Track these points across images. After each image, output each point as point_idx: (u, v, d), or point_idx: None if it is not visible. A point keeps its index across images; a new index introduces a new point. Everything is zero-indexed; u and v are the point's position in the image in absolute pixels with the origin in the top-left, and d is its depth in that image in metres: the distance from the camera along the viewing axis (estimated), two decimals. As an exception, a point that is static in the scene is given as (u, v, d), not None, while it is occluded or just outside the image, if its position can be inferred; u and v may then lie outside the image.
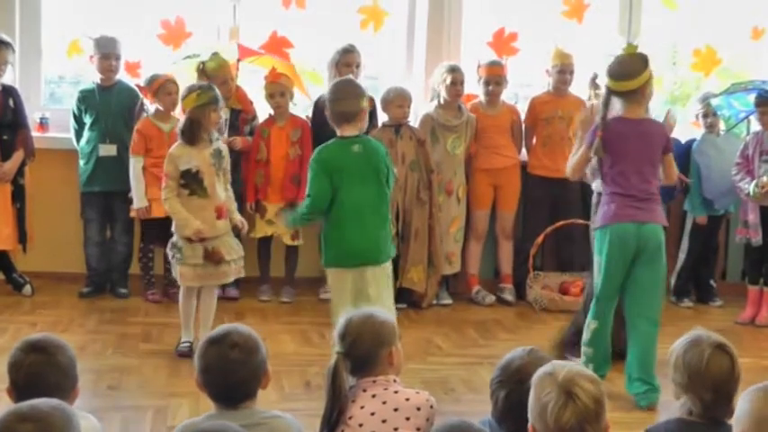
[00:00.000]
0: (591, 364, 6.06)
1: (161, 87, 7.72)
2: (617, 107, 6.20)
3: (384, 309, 5.72)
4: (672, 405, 3.96)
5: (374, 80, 9.09)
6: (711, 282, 8.60)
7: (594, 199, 6.69)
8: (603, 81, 6.51)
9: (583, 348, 6.26)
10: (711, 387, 3.70)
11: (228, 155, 6.86)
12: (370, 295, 5.96)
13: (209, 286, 6.81)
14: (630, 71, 6.03)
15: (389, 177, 6.14)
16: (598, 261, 6.18)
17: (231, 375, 3.70)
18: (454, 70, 8.32)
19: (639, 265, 6.07)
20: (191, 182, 6.56)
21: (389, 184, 6.16)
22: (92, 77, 8.26)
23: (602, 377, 6.05)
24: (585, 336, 6.24)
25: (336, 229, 6.08)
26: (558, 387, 3.18)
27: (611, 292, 6.17)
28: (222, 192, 6.75)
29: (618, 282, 6.12)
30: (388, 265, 6.22)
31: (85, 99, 8.09)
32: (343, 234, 6.05)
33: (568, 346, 6.61)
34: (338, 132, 6.16)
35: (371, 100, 8.29)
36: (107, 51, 8.07)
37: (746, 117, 8.27)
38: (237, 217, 6.87)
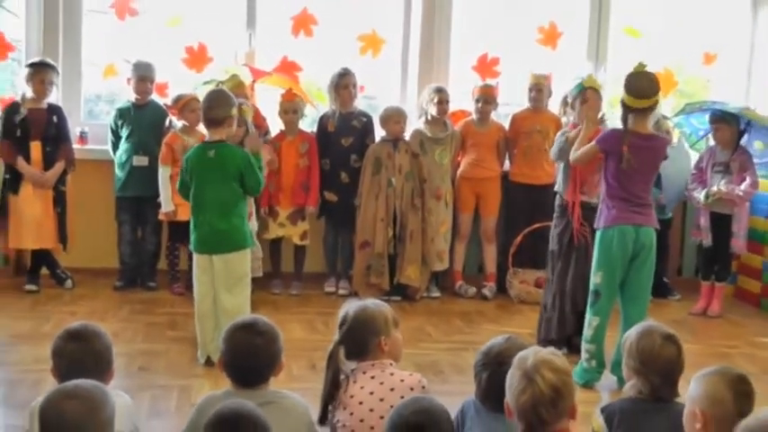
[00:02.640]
0: (594, 360, 6.10)
1: (186, 105, 7.74)
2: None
3: (230, 296, 6.13)
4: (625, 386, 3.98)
5: (373, 100, 9.09)
6: (665, 279, 8.59)
7: (558, 201, 6.75)
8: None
9: (585, 346, 6.13)
10: (660, 372, 3.75)
11: None
12: (217, 280, 6.18)
13: None
14: (650, 91, 5.95)
15: (246, 179, 6.21)
16: (597, 259, 6.12)
17: (253, 359, 3.73)
18: (440, 91, 8.32)
19: (636, 264, 6.06)
20: None
21: (246, 185, 6.24)
22: (125, 96, 8.29)
23: (600, 373, 6.10)
24: (588, 332, 6.13)
25: (192, 220, 6.34)
26: (522, 372, 3.21)
27: (613, 290, 6.11)
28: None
29: (619, 279, 6.08)
30: (235, 255, 6.22)
31: (122, 115, 8.10)
32: (194, 225, 6.30)
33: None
34: (207, 135, 6.36)
35: (367, 117, 8.36)
36: (144, 74, 8.09)
37: (706, 134, 8.29)
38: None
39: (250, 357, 3.72)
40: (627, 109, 5.99)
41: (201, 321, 6.27)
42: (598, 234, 6.14)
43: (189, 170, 6.24)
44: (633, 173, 5.96)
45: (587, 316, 6.16)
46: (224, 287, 6.18)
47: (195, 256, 6.37)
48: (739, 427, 2.69)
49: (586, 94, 6.56)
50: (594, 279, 6.12)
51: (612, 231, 6.01)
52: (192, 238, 6.35)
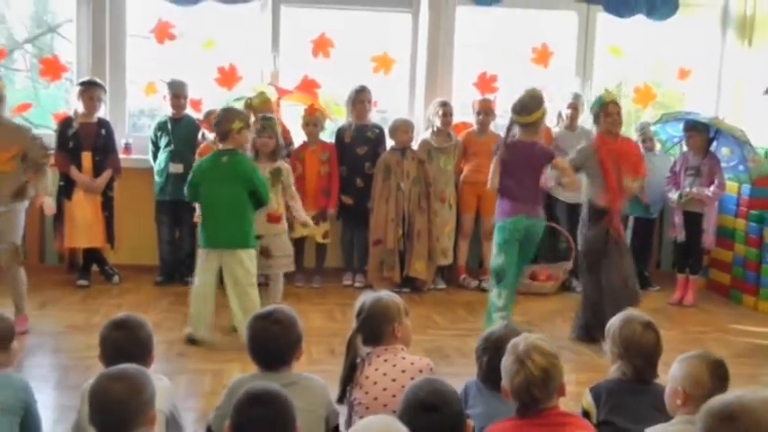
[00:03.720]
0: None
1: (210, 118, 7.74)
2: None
3: (239, 287, 6.24)
4: (609, 368, 3.99)
5: (384, 113, 9.08)
6: (646, 273, 8.58)
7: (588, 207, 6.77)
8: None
9: (500, 314, 6.44)
10: (642, 355, 3.78)
11: (289, 172, 7.00)
12: (231, 273, 6.31)
13: (275, 274, 6.97)
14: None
15: (255, 185, 6.34)
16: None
17: (271, 344, 3.75)
18: (445, 104, 8.34)
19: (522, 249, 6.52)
20: None
21: (256, 190, 6.36)
22: (163, 111, 8.29)
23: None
24: (499, 303, 6.51)
25: (202, 217, 6.53)
26: (515, 356, 3.25)
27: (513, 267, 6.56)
28: (275, 201, 6.84)
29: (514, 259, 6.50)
30: (243, 252, 6.33)
31: (161, 128, 8.12)
32: (204, 222, 6.47)
33: (592, 328, 6.49)
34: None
35: (380, 128, 8.35)
36: (177, 92, 8.11)
37: (679, 141, 8.27)
38: (302, 216, 7.12)
39: (269, 343, 3.75)
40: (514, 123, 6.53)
41: (197, 301, 6.41)
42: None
43: (201, 174, 6.41)
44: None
45: (495, 290, 6.57)
46: (234, 279, 6.29)
47: (200, 251, 6.49)
48: (703, 408, 2.68)
49: (608, 108, 6.60)
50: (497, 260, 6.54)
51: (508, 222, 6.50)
52: (201, 234, 6.46)
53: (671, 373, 3.44)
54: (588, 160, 6.60)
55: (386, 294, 4.10)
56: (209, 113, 7.78)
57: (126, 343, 3.68)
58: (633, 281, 6.63)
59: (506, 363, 3.29)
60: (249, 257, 6.37)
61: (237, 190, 6.30)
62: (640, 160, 6.92)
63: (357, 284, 8.29)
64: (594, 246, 6.62)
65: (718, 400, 2.67)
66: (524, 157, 6.50)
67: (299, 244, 8.30)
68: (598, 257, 6.58)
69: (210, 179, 6.36)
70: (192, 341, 6.32)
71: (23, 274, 6.55)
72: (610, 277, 6.51)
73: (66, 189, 7.93)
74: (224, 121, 6.43)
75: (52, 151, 7.19)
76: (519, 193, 6.47)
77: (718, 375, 3.35)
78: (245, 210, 6.37)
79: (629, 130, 8.47)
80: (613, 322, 3.90)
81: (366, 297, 4.08)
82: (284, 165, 7.01)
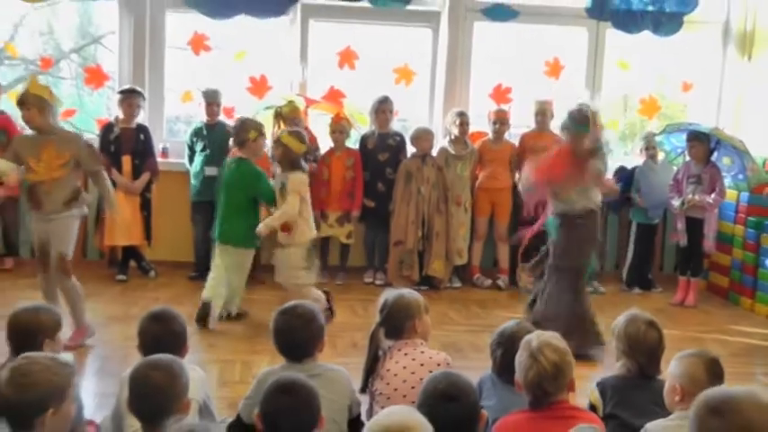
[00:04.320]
0: None
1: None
2: None
3: (227, 280, 6.60)
4: (614, 364, 4.00)
5: (405, 122, 9.08)
6: (649, 275, 8.56)
7: None
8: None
9: None
10: (645, 353, 3.78)
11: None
12: (222, 265, 6.70)
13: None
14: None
15: (259, 191, 6.62)
16: None
17: (294, 337, 3.78)
18: (462, 114, 8.33)
19: None
20: None
21: (261, 195, 6.65)
22: (199, 118, 8.31)
23: None
24: None
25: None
26: (528, 352, 3.26)
27: None
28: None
29: None
30: (237, 249, 6.70)
31: (196, 134, 8.14)
32: (216, 219, 6.93)
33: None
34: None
35: (401, 136, 8.36)
36: (212, 100, 8.12)
37: (683, 152, 8.24)
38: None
39: (291, 335, 3.78)
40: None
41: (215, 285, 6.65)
42: None
43: (220, 178, 6.96)
44: None
45: None
46: (229, 273, 6.71)
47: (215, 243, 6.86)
48: (695, 401, 2.71)
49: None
50: None
51: None
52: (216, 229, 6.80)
53: (669, 370, 3.46)
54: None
55: (408, 292, 4.11)
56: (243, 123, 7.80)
57: (162, 335, 3.71)
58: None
59: (520, 358, 3.29)
60: (245, 256, 6.77)
61: (239, 194, 6.61)
62: None
63: (378, 282, 8.29)
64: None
65: (708, 394, 2.69)
66: None
67: (324, 243, 8.35)
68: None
69: (223, 183, 6.79)
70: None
71: (75, 284, 6.06)
72: None
73: (107, 191, 7.96)
74: (241, 130, 6.68)
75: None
76: None
77: (713, 373, 3.36)
78: (242, 212, 6.63)
79: (635, 140, 8.42)
80: (619, 321, 3.90)
81: (389, 294, 4.09)
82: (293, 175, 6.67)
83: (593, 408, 3.73)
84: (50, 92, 5.99)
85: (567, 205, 6.20)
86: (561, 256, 6.25)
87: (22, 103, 5.85)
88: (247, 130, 6.62)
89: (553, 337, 3.33)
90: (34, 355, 3.14)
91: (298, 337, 3.77)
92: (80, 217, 6.13)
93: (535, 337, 3.31)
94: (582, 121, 6.19)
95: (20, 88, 6.61)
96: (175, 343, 3.70)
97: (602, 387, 3.78)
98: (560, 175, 6.18)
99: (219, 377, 5.44)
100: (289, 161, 6.56)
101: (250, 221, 6.59)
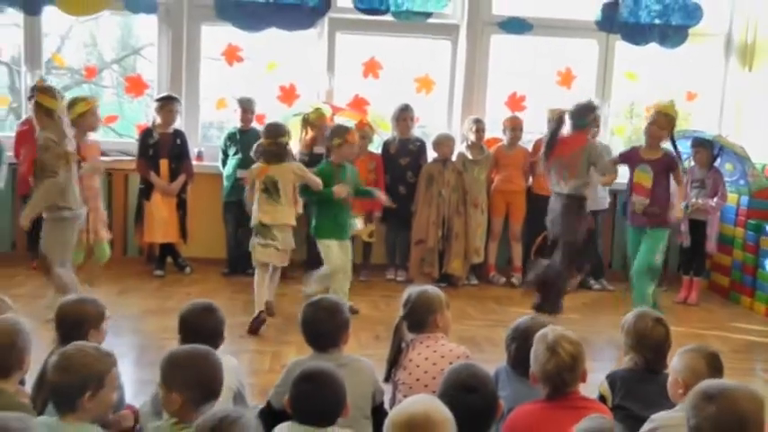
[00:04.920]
0: None
1: None
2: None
3: None
4: (622, 359, 4.00)
5: (425, 128, 9.07)
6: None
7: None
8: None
9: None
10: (652, 348, 3.77)
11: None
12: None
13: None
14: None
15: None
16: None
17: (320, 327, 3.80)
18: (478, 121, 8.32)
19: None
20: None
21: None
22: (232, 124, 8.34)
23: None
24: None
25: None
26: (545, 345, 3.25)
27: None
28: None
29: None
30: None
31: (230, 138, 8.14)
32: None
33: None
34: None
35: (421, 141, 8.37)
36: (247, 107, 8.14)
37: (688, 157, 8.20)
38: None
39: (317, 326, 3.80)
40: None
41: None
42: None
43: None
44: None
45: None
46: None
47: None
48: (691, 390, 2.77)
49: None
50: None
51: None
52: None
53: (672, 365, 3.46)
54: None
55: (430, 288, 4.11)
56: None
57: (201, 327, 3.73)
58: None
59: (537, 351, 3.29)
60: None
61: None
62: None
63: (399, 279, 8.29)
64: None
65: (705, 384, 2.74)
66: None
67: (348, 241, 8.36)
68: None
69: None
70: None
71: (61, 278, 5.96)
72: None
73: (145, 191, 8.02)
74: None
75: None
76: None
77: (713, 367, 3.36)
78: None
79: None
80: (627, 317, 3.89)
81: (413, 289, 4.09)
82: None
83: (602, 399, 3.72)
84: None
85: (576, 189, 6.60)
86: (568, 232, 6.68)
87: None
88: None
89: (566, 331, 3.35)
90: (80, 343, 3.19)
91: (324, 327, 3.79)
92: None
93: (550, 332, 3.32)
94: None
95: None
96: (213, 335, 3.72)
97: (612, 379, 3.78)
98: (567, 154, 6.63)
99: (251, 367, 5.47)
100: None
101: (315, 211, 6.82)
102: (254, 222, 6.56)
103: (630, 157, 6.69)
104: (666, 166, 6.53)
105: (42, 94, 5.98)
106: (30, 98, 6.35)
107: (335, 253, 6.63)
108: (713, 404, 2.60)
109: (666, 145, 6.61)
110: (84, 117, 6.68)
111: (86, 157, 6.76)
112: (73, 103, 6.66)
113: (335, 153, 6.75)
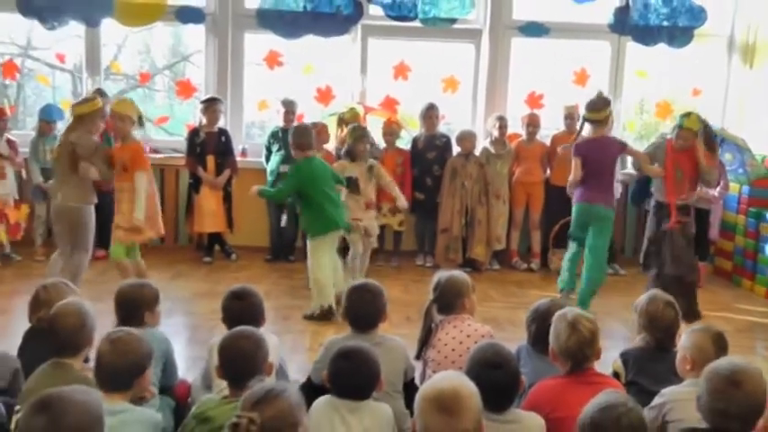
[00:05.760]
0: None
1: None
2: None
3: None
4: (634, 339, 3.96)
5: (450, 125, 9.03)
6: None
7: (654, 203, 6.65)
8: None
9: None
10: (663, 329, 3.76)
11: (379, 168, 7.00)
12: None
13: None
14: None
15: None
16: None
17: (363, 309, 3.79)
18: (501, 118, 8.29)
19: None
20: (350, 184, 6.69)
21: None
22: (274, 123, 8.35)
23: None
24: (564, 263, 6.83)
25: None
26: (567, 323, 3.25)
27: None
28: (372, 192, 6.97)
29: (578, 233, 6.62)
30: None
31: (274, 136, 8.14)
32: None
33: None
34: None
35: (447, 137, 8.35)
36: (289, 108, 8.16)
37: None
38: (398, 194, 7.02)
39: (361, 308, 3.79)
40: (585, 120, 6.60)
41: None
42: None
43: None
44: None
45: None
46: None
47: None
48: (706, 370, 2.77)
49: (681, 132, 6.38)
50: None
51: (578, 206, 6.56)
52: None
53: (680, 343, 3.45)
54: (658, 151, 6.52)
55: (458, 273, 4.10)
56: (314, 125, 7.81)
57: (243, 309, 3.74)
58: (686, 272, 6.33)
59: (558, 329, 3.28)
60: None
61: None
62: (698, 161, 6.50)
63: (427, 264, 8.28)
64: (654, 236, 6.48)
65: (722, 366, 2.72)
66: (599, 150, 6.45)
67: (380, 231, 8.35)
68: (658, 247, 6.41)
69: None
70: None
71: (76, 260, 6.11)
72: (666, 268, 6.33)
73: (194, 185, 8.08)
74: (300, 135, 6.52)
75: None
76: (591, 183, 6.50)
77: (719, 346, 3.34)
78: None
79: (650, 139, 8.28)
80: (641, 300, 3.87)
81: (442, 274, 4.08)
82: (374, 162, 7.05)
83: (616, 375, 3.70)
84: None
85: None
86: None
87: None
88: (310, 134, 6.50)
89: (582, 311, 3.38)
90: (128, 329, 3.21)
91: (368, 310, 3.79)
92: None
93: (569, 311, 3.33)
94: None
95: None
96: (254, 316, 3.73)
97: (625, 357, 3.75)
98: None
99: (292, 345, 5.49)
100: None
101: (308, 211, 6.54)
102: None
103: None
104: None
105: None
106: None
107: (323, 252, 6.29)
108: (740, 388, 2.63)
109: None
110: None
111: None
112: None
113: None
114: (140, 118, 6.23)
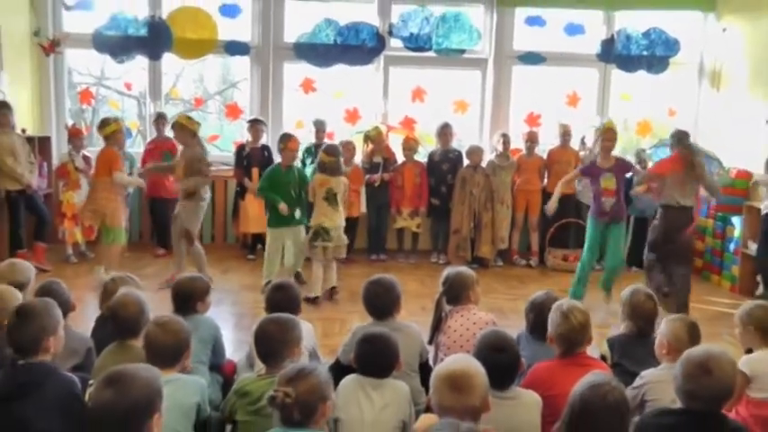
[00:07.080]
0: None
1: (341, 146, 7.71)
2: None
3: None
4: (620, 325, 3.90)
5: (460, 141, 8.99)
6: (643, 257, 8.28)
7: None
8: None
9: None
10: (643, 317, 3.74)
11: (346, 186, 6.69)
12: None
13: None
14: None
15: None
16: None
17: (379, 300, 3.77)
18: (505, 135, 8.27)
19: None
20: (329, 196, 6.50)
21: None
22: (309, 140, 8.27)
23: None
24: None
25: None
26: (560, 312, 3.24)
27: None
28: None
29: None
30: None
31: (308, 151, 8.08)
32: None
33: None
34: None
35: (458, 152, 8.30)
36: (321, 127, 8.15)
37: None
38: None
39: (378, 299, 3.77)
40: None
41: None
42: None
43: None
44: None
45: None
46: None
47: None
48: (681, 358, 2.73)
49: (680, 151, 6.19)
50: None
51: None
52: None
53: (659, 329, 3.44)
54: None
55: (464, 269, 4.07)
56: (343, 143, 7.80)
57: (282, 300, 3.74)
58: (680, 292, 6.11)
59: (554, 317, 3.27)
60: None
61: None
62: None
63: (441, 261, 8.22)
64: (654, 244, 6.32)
65: (695, 354, 2.69)
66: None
67: (400, 232, 8.38)
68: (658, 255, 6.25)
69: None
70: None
71: (199, 250, 6.63)
72: (666, 280, 6.19)
73: (240, 193, 8.10)
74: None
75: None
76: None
77: (692, 334, 3.33)
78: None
79: (631, 154, 8.22)
80: (625, 292, 3.84)
81: (450, 270, 4.05)
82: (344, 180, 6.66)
83: (603, 358, 3.68)
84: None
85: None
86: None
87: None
88: (278, 143, 6.75)
89: (577, 303, 3.36)
90: (168, 315, 3.27)
91: (382, 301, 3.76)
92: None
93: (564, 302, 3.33)
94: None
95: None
96: (292, 306, 3.72)
97: (611, 342, 3.73)
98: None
99: (323, 331, 5.50)
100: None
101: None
102: (314, 222, 6.49)
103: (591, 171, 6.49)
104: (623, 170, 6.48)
105: (189, 120, 6.56)
106: (172, 126, 6.79)
107: (272, 240, 6.69)
108: (709, 376, 2.59)
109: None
110: (115, 135, 6.68)
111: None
112: (105, 123, 6.70)
113: (281, 156, 6.67)
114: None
